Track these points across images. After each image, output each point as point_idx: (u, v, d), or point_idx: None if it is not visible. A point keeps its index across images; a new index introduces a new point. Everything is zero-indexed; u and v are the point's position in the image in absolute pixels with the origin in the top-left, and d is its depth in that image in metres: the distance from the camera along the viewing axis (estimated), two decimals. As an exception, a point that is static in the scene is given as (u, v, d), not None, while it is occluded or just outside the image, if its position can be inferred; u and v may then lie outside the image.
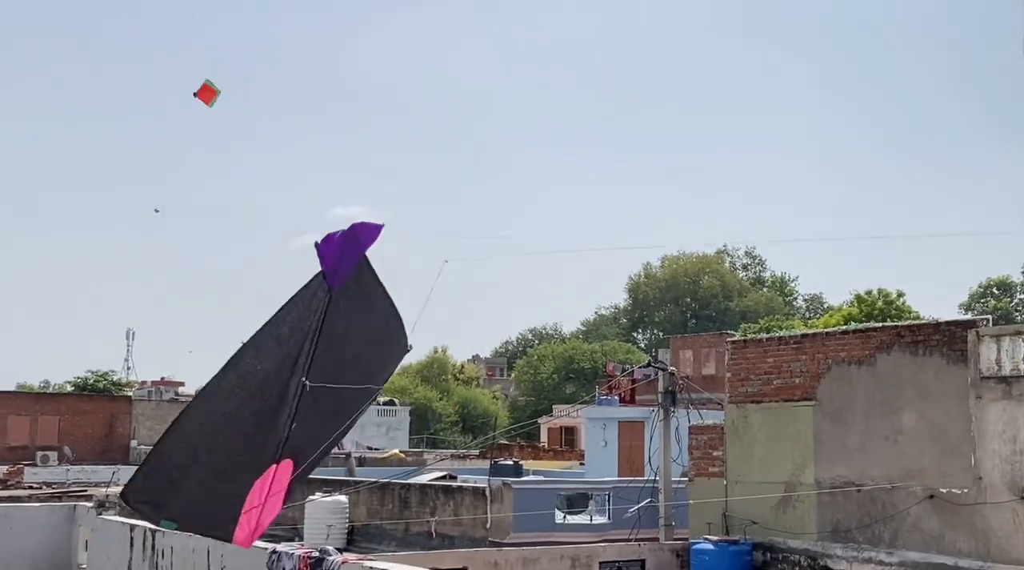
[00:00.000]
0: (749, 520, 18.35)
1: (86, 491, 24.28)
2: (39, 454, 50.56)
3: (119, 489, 29.30)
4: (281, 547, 12.76)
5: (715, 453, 19.73)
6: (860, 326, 19.22)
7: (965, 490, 15.52)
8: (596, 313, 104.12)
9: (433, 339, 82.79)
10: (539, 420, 48.17)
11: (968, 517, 15.44)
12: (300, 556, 11.65)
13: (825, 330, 20.00)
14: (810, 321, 72.00)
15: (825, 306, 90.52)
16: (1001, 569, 14.92)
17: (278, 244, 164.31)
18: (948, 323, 16.45)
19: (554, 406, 57.54)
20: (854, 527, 16.97)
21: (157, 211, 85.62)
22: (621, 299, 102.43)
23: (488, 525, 22.50)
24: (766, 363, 18.92)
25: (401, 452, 45.97)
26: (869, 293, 60.48)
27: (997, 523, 15.16)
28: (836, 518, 17.29)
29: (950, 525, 15.70)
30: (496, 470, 29.78)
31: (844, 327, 19.93)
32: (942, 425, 15.98)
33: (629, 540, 19.46)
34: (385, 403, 63.00)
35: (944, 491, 15.79)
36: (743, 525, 18.41)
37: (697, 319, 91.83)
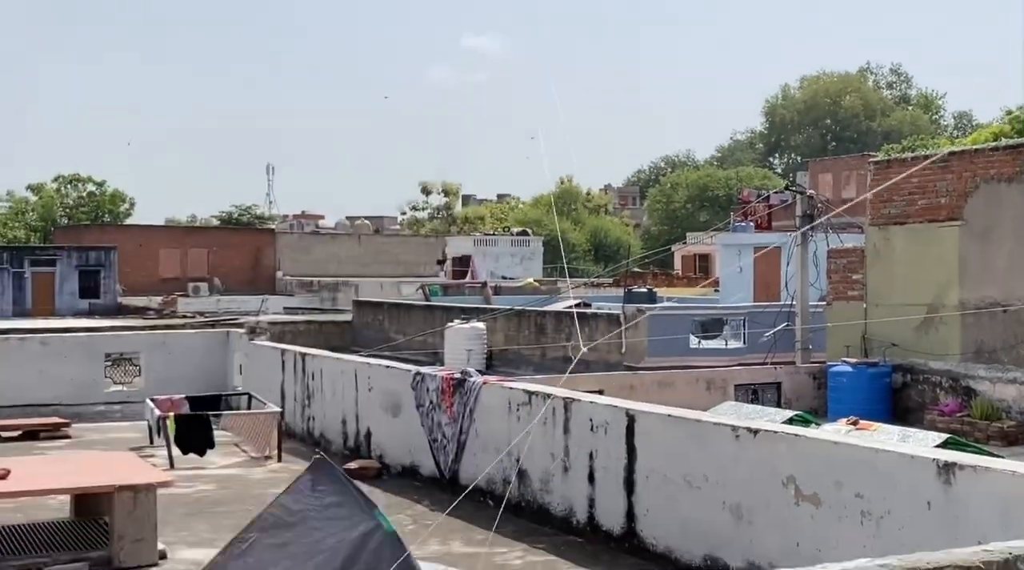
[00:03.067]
0: (889, 342, 18.11)
1: (237, 319, 25.48)
2: (190, 285, 52.99)
3: (269, 317, 30.52)
4: (424, 369, 13.22)
5: (855, 276, 19.38)
6: (1011, 142, 18.33)
7: (1120, 309, 14.95)
8: (731, 139, 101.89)
9: (562, 169, 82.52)
10: (672, 247, 48.00)
11: (1122, 337, 14.92)
12: (443, 377, 12.05)
13: (973, 147, 19.14)
14: (957, 140, 68.98)
15: (974, 124, 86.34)
16: None
17: (413, 76, 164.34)
18: (1109, 136, 15.54)
19: (688, 234, 57.16)
20: (999, 348, 16.60)
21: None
22: (757, 123, 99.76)
23: (623, 350, 22.80)
24: (910, 183, 18.29)
25: (535, 281, 46.58)
26: (1021, 109, 57.40)
27: None
28: (980, 339, 16.93)
29: (1102, 345, 15.22)
30: (630, 297, 29.99)
31: (994, 143, 19.04)
32: (1098, 243, 15.31)
33: (765, 364, 19.49)
34: (519, 234, 63.63)
35: (1097, 311, 15.25)
36: (883, 347, 18.19)
37: (837, 141, 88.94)
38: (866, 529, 7.06)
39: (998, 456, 8.61)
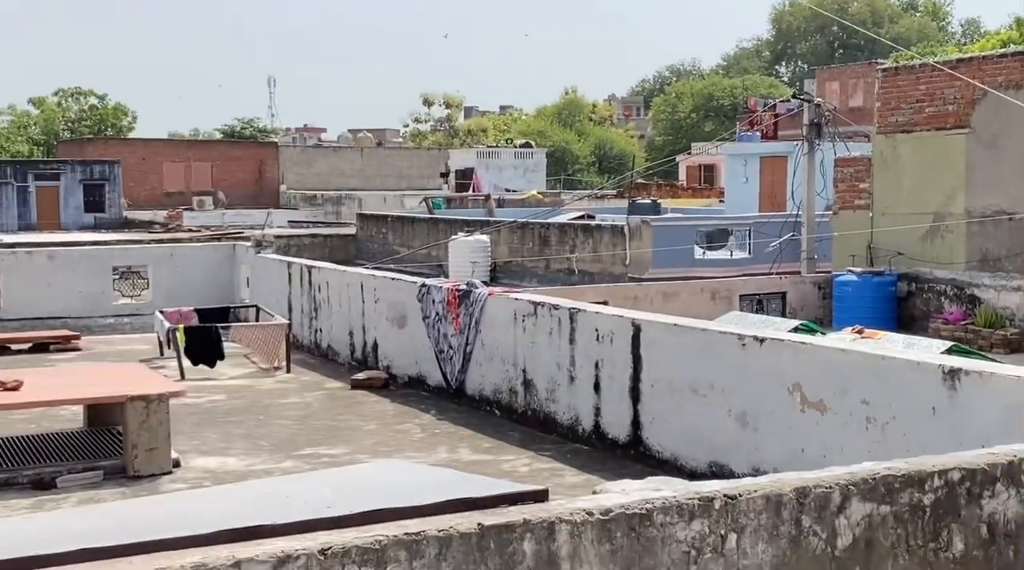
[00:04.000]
0: (895, 251, 18.12)
1: (242, 233, 25.52)
2: (195, 199, 52.91)
3: (274, 230, 30.53)
4: (430, 281, 13.25)
5: (861, 185, 19.31)
6: (1019, 48, 18.10)
7: None
8: (737, 46, 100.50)
9: (567, 79, 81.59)
10: (677, 158, 47.70)
11: None
12: (448, 288, 12.08)
13: (981, 54, 18.90)
14: (965, 47, 68.01)
15: (982, 31, 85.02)
16: None
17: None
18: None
19: (693, 144, 56.75)
20: (1004, 256, 16.62)
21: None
22: (763, 30, 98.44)
23: (627, 261, 22.84)
24: (918, 91, 18.11)
25: (539, 193, 46.43)
26: (1032, 15, 56.47)
27: None
28: (985, 247, 16.92)
29: (1108, 253, 15.22)
30: (634, 209, 29.94)
31: (1002, 50, 18.80)
32: (1107, 150, 15.22)
33: (770, 274, 19.52)
34: (522, 146, 63.22)
35: (1104, 219, 15.23)
36: (888, 257, 18.20)
37: (845, 49, 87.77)
38: (871, 434, 7.15)
39: (1001, 363, 8.68)
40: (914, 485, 3.99)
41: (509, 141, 68.96)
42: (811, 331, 13.45)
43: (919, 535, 3.97)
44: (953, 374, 6.62)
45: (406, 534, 3.38)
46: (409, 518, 3.58)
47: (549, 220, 27.03)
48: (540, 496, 4.28)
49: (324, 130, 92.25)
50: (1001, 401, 6.31)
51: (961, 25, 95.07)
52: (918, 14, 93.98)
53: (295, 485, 5.44)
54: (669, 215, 30.32)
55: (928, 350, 11.33)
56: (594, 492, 4.12)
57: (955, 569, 4.02)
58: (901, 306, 17.87)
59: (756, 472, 7.82)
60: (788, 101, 31.86)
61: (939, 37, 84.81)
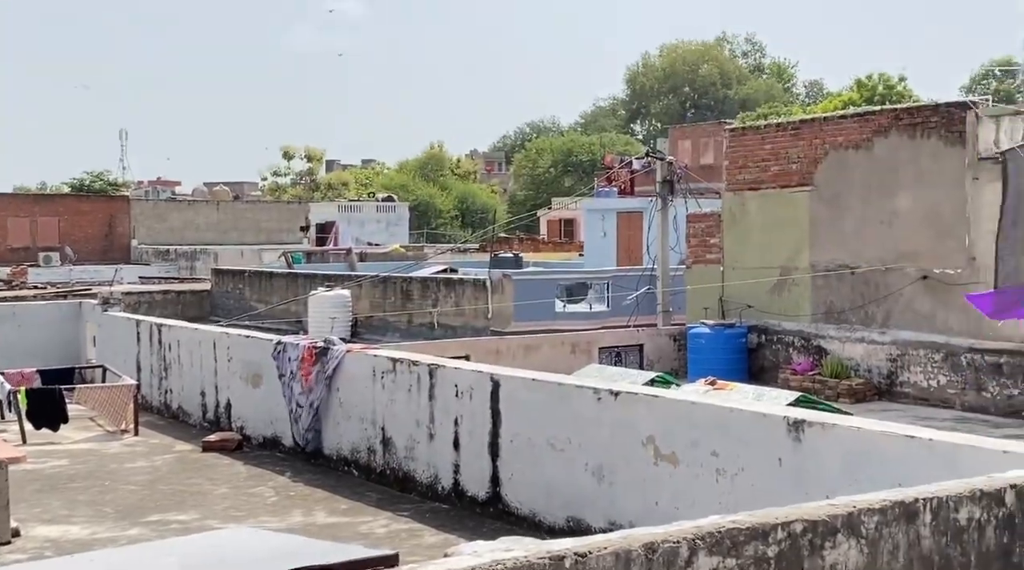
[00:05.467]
0: (745, 304, 18.68)
1: (90, 289, 24.63)
2: (41, 255, 50.93)
3: (123, 287, 29.62)
4: (286, 338, 13.02)
5: (712, 240, 19.88)
6: (858, 110, 19.03)
7: (958, 270, 15.71)
8: (594, 105, 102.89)
9: (430, 135, 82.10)
10: (538, 213, 48.33)
11: (960, 297, 15.69)
12: (305, 346, 11.89)
13: (823, 115, 19.79)
14: (809, 108, 71.15)
15: (825, 92, 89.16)
16: (990, 345, 15.28)
17: (269, 39, 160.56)
18: (947, 104, 16.26)
19: (553, 199, 57.62)
20: (847, 308, 17.29)
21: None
22: (620, 90, 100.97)
23: (489, 315, 22.92)
24: (764, 150, 18.82)
25: (401, 247, 46.33)
26: (870, 78, 59.53)
27: (988, 302, 15.41)
28: (830, 300, 17.59)
29: (942, 304, 15.98)
30: (496, 262, 30.08)
31: (842, 111, 19.72)
32: (937, 207, 16.03)
33: (628, 326, 19.86)
34: (384, 199, 63.11)
35: (937, 272, 15.99)
36: (739, 309, 18.75)
37: (696, 109, 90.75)
38: (721, 486, 7.29)
39: (847, 413, 8.99)
40: (758, 538, 4.07)
41: (371, 195, 68.78)
42: (666, 383, 13.72)
43: (764, 587, 4.04)
44: (797, 425, 6.82)
45: (249, 606, 3.28)
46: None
47: (411, 274, 26.95)
48: (391, 561, 4.21)
49: (179, 183, 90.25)
50: (843, 451, 6.52)
51: (805, 86, 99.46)
52: (764, 76, 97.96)
53: (138, 555, 5.23)
54: (531, 269, 30.60)
55: (777, 401, 11.67)
56: (446, 555, 4.07)
57: (799, 619, 4.10)
58: (752, 357, 18.41)
59: (612, 526, 7.88)
60: (642, 158, 32.73)
61: (785, 98, 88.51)
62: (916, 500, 4.41)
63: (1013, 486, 4.72)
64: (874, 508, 4.31)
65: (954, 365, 15.66)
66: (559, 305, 23.78)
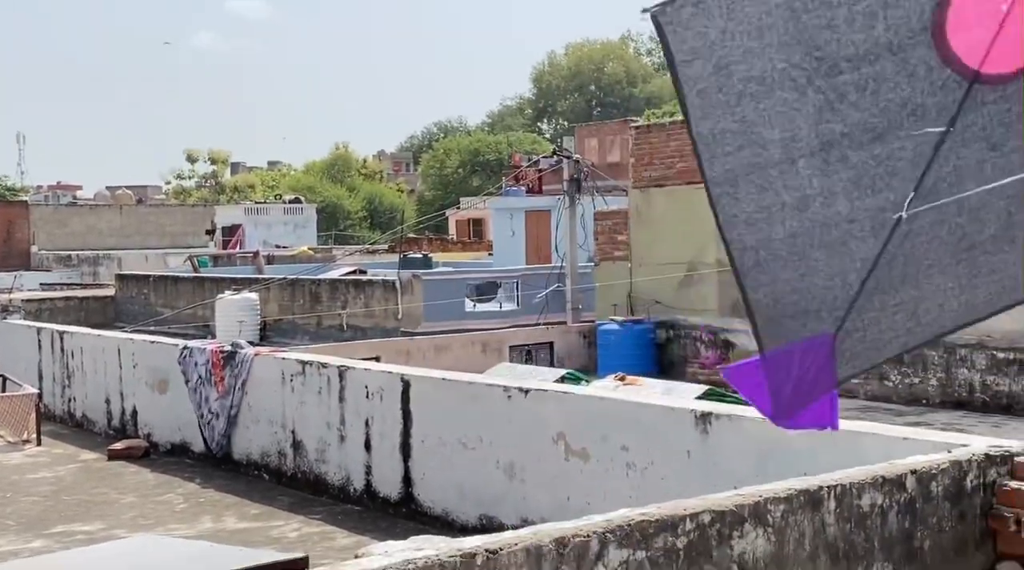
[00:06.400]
0: (653, 300, 18.90)
1: (-12, 297, 23.94)
2: (-65, 263, 49.23)
3: (24, 294, 28.76)
4: (192, 343, 12.80)
5: (620, 237, 20.09)
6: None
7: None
8: (501, 104, 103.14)
9: (336, 136, 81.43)
10: (447, 213, 48.27)
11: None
12: (212, 350, 11.71)
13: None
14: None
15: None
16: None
17: (171, 40, 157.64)
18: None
19: (461, 199, 57.62)
20: (753, 303, 17.61)
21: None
22: (526, 89, 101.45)
23: (399, 316, 22.82)
24: (669, 147, 19.07)
25: (309, 249, 45.86)
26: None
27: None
28: (736, 294, 17.85)
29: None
30: (405, 263, 29.95)
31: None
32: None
33: (538, 324, 19.96)
34: (291, 201, 62.39)
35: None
36: (647, 305, 18.97)
37: (602, 107, 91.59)
38: (631, 480, 7.37)
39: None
40: (668, 529, 4.12)
41: (278, 197, 67.94)
42: (577, 380, 13.81)
43: (674, 578, 4.09)
44: (705, 418, 6.92)
45: (155, 615, 3.21)
46: (160, 597, 3.40)
47: (320, 276, 26.71)
48: (299, 564, 4.16)
49: (80, 187, 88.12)
50: (750, 442, 6.64)
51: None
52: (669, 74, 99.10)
53: (41, 567, 5.08)
54: (440, 269, 30.56)
55: (686, 395, 11.83)
56: (356, 556, 4.04)
57: (709, 608, 4.16)
58: (661, 352, 18.65)
59: (524, 522, 7.91)
60: (550, 157, 32.90)
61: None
62: (820, 488, 4.50)
63: (913, 471, 4.85)
64: (780, 497, 4.39)
65: (855, 356, 16.06)
66: (469, 305, 23.79)
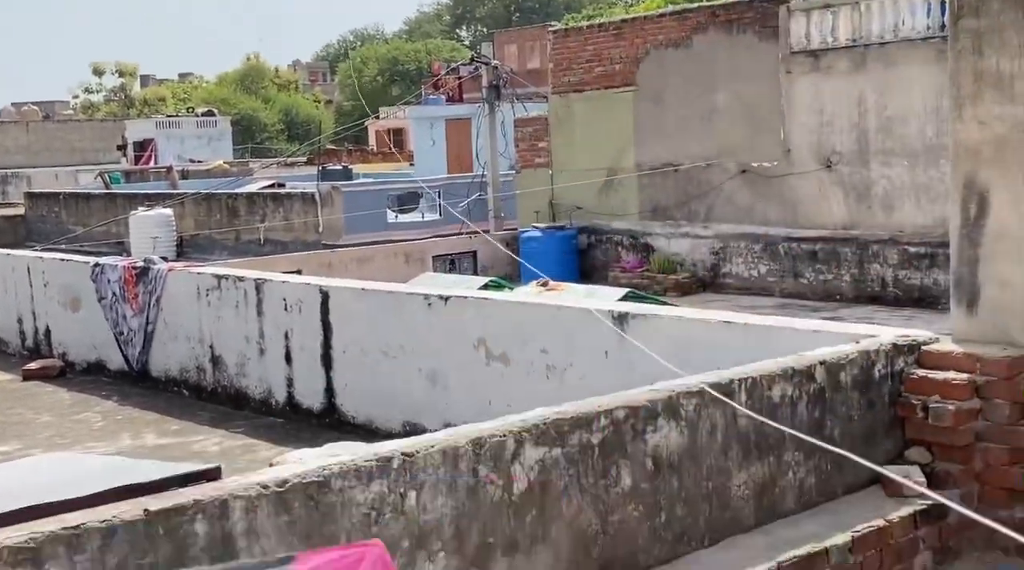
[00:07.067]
0: (574, 206, 18.92)
1: None
2: None
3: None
4: (104, 260, 12.51)
5: (540, 144, 19.99)
6: (677, 8, 19.26)
7: (775, 163, 16.27)
8: (418, 11, 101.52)
9: (248, 46, 79.47)
10: (365, 122, 47.60)
11: (777, 188, 16.28)
12: (124, 267, 11.45)
13: (643, 14, 19.97)
14: (632, 7, 71.80)
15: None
16: (805, 234, 15.96)
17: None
18: (761, 0, 16.62)
19: (381, 109, 56.79)
20: (672, 205, 17.72)
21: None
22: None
23: (320, 229, 22.56)
24: (587, 51, 18.91)
25: (225, 163, 44.99)
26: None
27: (804, 192, 16.06)
28: (655, 198, 17.99)
29: (761, 197, 16.55)
30: (325, 175, 29.57)
31: (661, 10, 19.94)
32: (754, 102, 16.49)
33: (460, 234, 19.88)
34: (204, 114, 60.93)
35: (755, 165, 16.51)
36: (569, 211, 18.99)
37: (521, 12, 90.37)
38: (551, 382, 7.42)
39: (674, 305, 9.26)
40: (583, 426, 4.15)
41: (190, 110, 66.29)
42: (500, 287, 13.81)
43: (590, 473, 4.13)
44: (622, 318, 6.97)
45: (64, 529, 3.15)
46: (69, 511, 3.33)
47: (237, 190, 26.25)
48: (212, 474, 4.12)
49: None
50: (665, 340, 6.71)
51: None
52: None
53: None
54: (360, 180, 30.21)
55: (607, 298, 11.91)
56: (271, 465, 4.01)
57: (625, 502, 4.22)
58: (583, 258, 18.74)
59: (447, 426, 7.95)
60: (469, 64, 32.49)
61: None
62: (731, 381, 4.56)
63: (823, 362, 4.94)
64: (692, 391, 4.44)
65: (773, 254, 16.31)
66: (391, 216, 23.61)
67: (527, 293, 12.34)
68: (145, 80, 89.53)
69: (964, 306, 5.25)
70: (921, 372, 5.14)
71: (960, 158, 5.18)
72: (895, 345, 5.20)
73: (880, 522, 4.62)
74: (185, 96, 78.06)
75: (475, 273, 18.05)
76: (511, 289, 13.92)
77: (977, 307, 5.19)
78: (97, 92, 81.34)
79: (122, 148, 55.15)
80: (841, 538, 4.46)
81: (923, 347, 5.24)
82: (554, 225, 18.87)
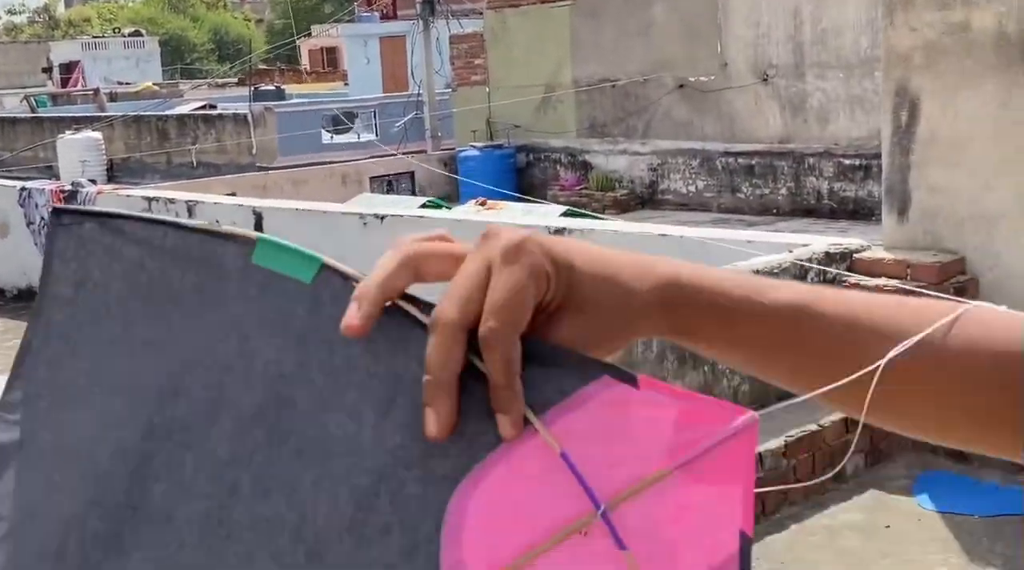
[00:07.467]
0: (512, 124, 18.77)
1: None
2: None
3: None
4: (31, 184, 12.22)
5: (476, 61, 19.74)
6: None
7: (712, 77, 16.23)
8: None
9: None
10: (296, 40, 46.67)
11: (714, 102, 16.28)
12: (51, 191, 11.20)
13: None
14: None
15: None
16: (742, 148, 16.01)
17: None
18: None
19: (313, 27, 55.67)
20: (610, 122, 17.66)
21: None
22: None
23: (253, 151, 22.20)
24: (522, -35, 18.62)
25: (154, 84, 43.96)
26: None
27: (741, 105, 16.08)
28: (593, 115, 17.91)
29: (698, 111, 16.55)
30: (257, 96, 29.00)
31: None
32: (691, 15, 16.38)
33: (397, 154, 19.66)
34: (131, 35, 59.32)
35: (693, 80, 16.47)
36: (507, 130, 18.84)
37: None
38: (490, 299, 7.42)
39: (609, 220, 9.27)
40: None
41: (117, 31, 64.47)
42: (438, 207, 13.74)
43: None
44: (559, 234, 6.96)
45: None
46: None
47: (167, 112, 25.70)
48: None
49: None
50: (603, 254, 6.71)
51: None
52: None
53: None
54: (294, 101, 29.71)
55: (545, 216, 11.90)
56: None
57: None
58: (521, 176, 18.64)
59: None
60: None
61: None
62: (667, 291, 4.58)
63: (756, 272, 4.98)
64: (628, 302, 4.45)
65: (710, 170, 16.36)
66: (326, 137, 23.29)
67: (465, 212, 12.30)
68: (69, 0, 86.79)
69: (895, 213, 5.30)
70: (853, 278, 5.21)
71: (891, 65, 5.18)
72: (827, 253, 5.25)
73: (813, 426, 4.70)
74: (111, 16, 75.84)
75: (413, 194, 17.91)
76: (449, 209, 13.87)
77: (908, 214, 5.25)
78: (20, 13, 78.77)
79: (47, 71, 53.61)
80: (775, 443, 4.53)
81: (855, 255, 5.29)
82: (492, 144, 18.73)
